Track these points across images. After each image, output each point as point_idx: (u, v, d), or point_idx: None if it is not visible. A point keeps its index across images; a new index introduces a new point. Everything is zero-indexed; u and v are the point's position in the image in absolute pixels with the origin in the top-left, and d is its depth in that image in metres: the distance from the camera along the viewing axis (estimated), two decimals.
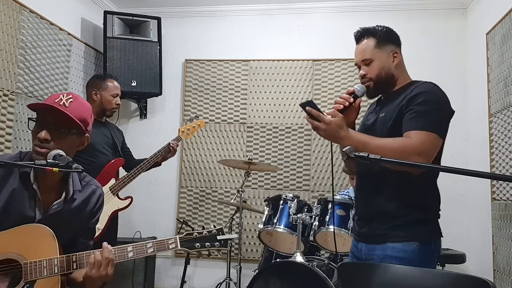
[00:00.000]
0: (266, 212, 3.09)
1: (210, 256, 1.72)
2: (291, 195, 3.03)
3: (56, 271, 1.49)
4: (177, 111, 4.34)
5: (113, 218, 2.94)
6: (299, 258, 2.71)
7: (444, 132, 1.70)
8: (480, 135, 3.47)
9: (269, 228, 2.99)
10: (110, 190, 2.90)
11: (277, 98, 4.18)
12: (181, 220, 3.99)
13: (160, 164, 3.17)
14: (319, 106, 1.68)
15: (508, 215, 2.95)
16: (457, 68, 3.89)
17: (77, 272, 1.57)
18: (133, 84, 3.98)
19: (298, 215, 2.83)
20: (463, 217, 3.69)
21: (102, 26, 3.98)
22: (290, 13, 4.23)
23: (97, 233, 2.56)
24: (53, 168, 1.37)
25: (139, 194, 3.93)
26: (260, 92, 4.22)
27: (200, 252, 1.64)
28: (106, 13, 4.00)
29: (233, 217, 3.57)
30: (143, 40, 4.07)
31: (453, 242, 3.32)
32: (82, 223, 1.67)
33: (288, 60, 4.19)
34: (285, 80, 4.18)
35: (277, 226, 2.95)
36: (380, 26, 1.84)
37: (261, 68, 4.23)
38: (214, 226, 1.67)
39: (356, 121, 1.91)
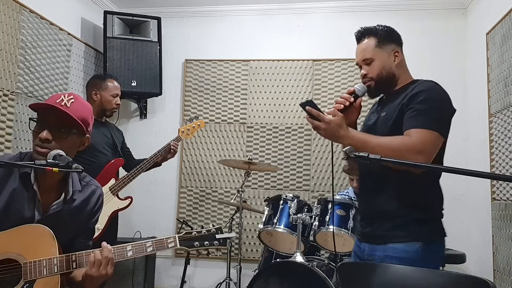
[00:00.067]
0: (266, 212, 3.09)
1: (210, 256, 1.72)
2: (291, 195, 3.02)
3: (55, 271, 1.50)
4: (177, 111, 4.34)
5: (113, 218, 2.94)
6: (299, 258, 2.70)
7: (445, 130, 1.69)
8: (480, 135, 3.47)
9: (269, 228, 2.99)
10: (110, 190, 2.90)
11: (277, 98, 4.18)
12: (181, 220, 3.99)
13: (160, 165, 3.17)
14: (319, 106, 1.68)
15: (508, 215, 2.95)
16: (457, 68, 3.89)
17: (76, 272, 1.57)
18: (133, 84, 3.98)
19: (298, 215, 2.83)
20: (463, 217, 3.69)
21: (102, 26, 3.98)
22: (290, 13, 4.23)
23: (96, 233, 2.56)
24: (53, 168, 1.37)
25: (139, 194, 3.93)
26: (260, 92, 4.22)
27: (200, 251, 1.65)
28: (106, 13, 4.00)
29: (233, 217, 3.57)
30: (143, 40, 4.07)
31: (453, 242, 3.30)
32: (81, 223, 1.67)
33: (288, 60, 4.19)
34: (285, 80, 4.19)
35: (277, 226, 2.95)
36: (381, 26, 1.84)
37: (261, 68, 4.23)
38: (213, 226, 1.68)
39: (358, 121, 1.91)
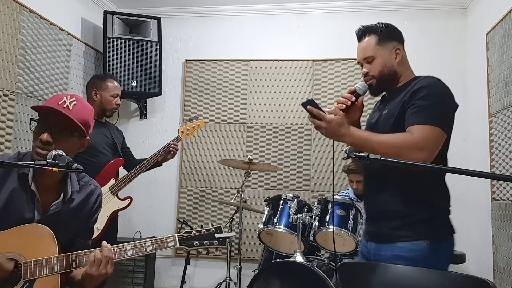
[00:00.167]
0: (266, 212, 3.09)
1: (210, 256, 1.72)
2: (291, 195, 3.02)
3: (55, 270, 1.50)
4: (177, 111, 4.34)
5: (113, 218, 2.94)
6: (299, 258, 2.70)
7: (448, 126, 1.67)
8: (480, 135, 3.47)
9: (269, 228, 2.99)
10: (110, 190, 2.90)
11: (277, 98, 4.18)
12: (181, 220, 3.99)
13: (161, 165, 3.17)
14: (319, 105, 1.68)
15: (508, 215, 2.95)
16: (457, 68, 3.89)
17: (76, 271, 1.57)
18: (133, 84, 3.98)
19: (298, 215, 2.83)
20: (463, 217, 3.68)
21: (102, 26, 3.98)
22: (290, 13, 4.23)
23: (96, 233, 2.56)
24: (53, 168, 1.37)
25: (139, 194, 3.93)
26: (260, 92, 4.22)
27: (199, 251, 1.65)
28: (106, 13, 4.00)
29: (233, 217, 3.57)
30: (143, 40, 4.07)
31: None
32: (81, 223, 1.67)
33: (288, 60, 4.19)
34: (285, 80, 4.18)
35: (277, 226, 2.95)
36: (382, 23, 1.83)
37: (261, 68, 4.23)
38: (212, 225, 1.68)
39: (363, 118, 1.90)
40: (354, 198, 3.23)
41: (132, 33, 4.11)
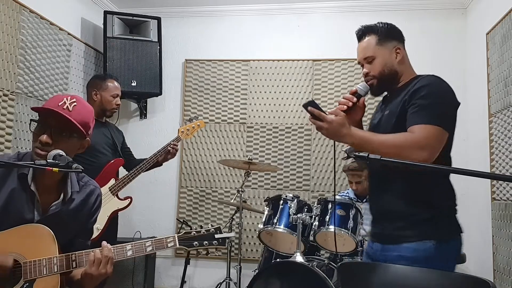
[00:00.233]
0: (266, 212, 3.08)
1: (210, 256, 1.72)
2: (291, 195, 3.02)
3: (55, 270, 1.50)
4: (177, 111, 4.34)
5: (113, 218, 2.94)
6: (299, 258, 2.70)
7: (449, 125, 1.66)
8: (480, 135, 3.47)
9: (269, 228, 2.99)
10: (110, 190, 2.90)
11: (277, 98, 4.18)
12: (181, 220, 3.99)
13: (161, 165, 3.17)
14: (320, 106, 1.68)
15: (508, 215, 2.95)
16: (457, 68, 3.89)
17: (75, 271, 1.57)
18: (133, 84, 3.98)
19: (298, 215, 2.83)
20: (463, 217, 3.65)
21: (102, 26, 3.98)
22: (290, 13, 4.23)
23: (96, 233, 2.56)
24: (53, 168, 1.37)
25: (139, 194, 3.93)
26: (260, 92, 4.22)
27: (199, 251, 1.65)
28: (106, 13, 4.00)
29: (233, 217, 3.57)
30: (143, 40, 4.07)
31: None
32: (80, 224, 1.67)
33: (288, 60, 4.19)
34: (285, 80, 4.18)
35: (277, 226, 2.94)
36: (382, 23, 1.82)
37: (261, 68, 4.23)
38: (212, 226, 1.68)
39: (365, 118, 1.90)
40: (354, 198, 3.23)
41: (132, 33, 4.11)
